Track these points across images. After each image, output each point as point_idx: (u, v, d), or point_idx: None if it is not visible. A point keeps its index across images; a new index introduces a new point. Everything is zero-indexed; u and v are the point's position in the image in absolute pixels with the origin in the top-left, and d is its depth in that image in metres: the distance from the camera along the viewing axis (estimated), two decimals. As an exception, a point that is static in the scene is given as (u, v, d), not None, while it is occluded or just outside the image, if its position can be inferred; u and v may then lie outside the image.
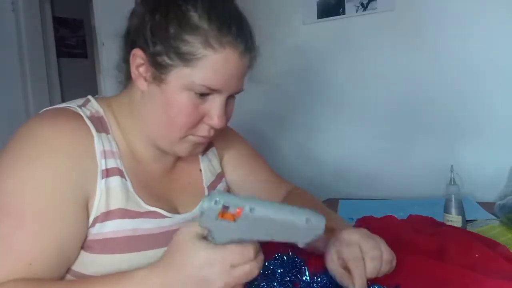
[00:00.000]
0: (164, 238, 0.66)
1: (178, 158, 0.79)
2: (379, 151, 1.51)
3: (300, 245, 0.53)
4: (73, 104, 0.69)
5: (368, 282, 0.62)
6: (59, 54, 3.05)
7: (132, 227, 0.66)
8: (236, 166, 0.90)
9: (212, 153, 0.87)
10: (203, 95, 0.64)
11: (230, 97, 0.69)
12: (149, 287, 0.52)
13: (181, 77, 0.63)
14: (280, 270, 0.68)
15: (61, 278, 0.62)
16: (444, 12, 1.38)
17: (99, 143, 0.65)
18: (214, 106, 0.66)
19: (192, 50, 0.61)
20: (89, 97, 0.73)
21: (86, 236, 0.64)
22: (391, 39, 1.46)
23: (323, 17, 1.56)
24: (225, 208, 0.50)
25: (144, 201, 0.68)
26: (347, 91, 1.56)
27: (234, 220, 0.50)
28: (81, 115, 0.66)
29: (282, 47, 1.65)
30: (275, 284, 0.65)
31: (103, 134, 0.67)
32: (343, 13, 1.52)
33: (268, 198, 0.85)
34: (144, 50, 0.65)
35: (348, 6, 1.51)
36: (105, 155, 0.66)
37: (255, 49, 0.68)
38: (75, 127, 0.64)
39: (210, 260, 0.50)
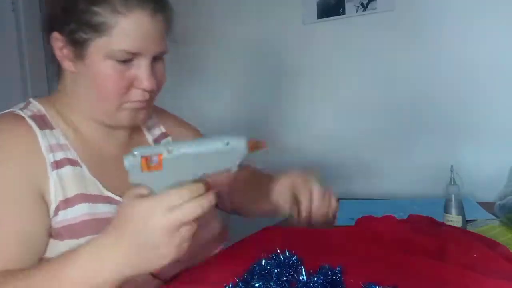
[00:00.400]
0: None
1: (130, 136, 0.82)
2: (379, 151, 1.51)
3: (233, 170, 0.54)
4: (15, 108, 0.72)
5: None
6: (59, 54, 3.04)
7: (92, 211, 0.69)
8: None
9: (158, 129, 0.90)
10: (126, 61, 0.67)
11: (157, 60, 0.72)
12: (101, 256, 0.53)
13: (99, 47, 0.66)
14: (277, 270, 0.68)
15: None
16: (444, 12, 1.38)
17: (44, 139, 0.68)
18: (140, 69, 0.68)
19: (103, 20, 0.65)
20: (30, 99, 0.76)
21: (52, 225, 0.67)
22: (391, 39, 1.46)
23: (323, 17, 1.56)
24: (148, 160, 0.51)
25: (103, 185, 0.72)
26: (347, 91, 1.56)
27: (160, 169, 0.51)
28: (22, 116, 0.69)
29: (282, 47, 1.65)
30: (271, 284, 0.65)
31: (47, 131, 0.70)
32: (343, 13, 1.52)
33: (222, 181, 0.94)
34: (60, 32, 0.68)
35: (348, 6, 1.51)
36: (51, 149, 0.68)
37: (167, 9, 0.71)
38: (16, 128, 0.68)
39: (150, 209, 0.50)
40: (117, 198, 0.72)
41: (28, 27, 2.43)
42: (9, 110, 0.72)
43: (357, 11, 1.50)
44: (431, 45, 1.40)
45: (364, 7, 1.48)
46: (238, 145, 0.53)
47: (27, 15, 2.44)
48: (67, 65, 0.70)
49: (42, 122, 0.71)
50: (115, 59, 0.66)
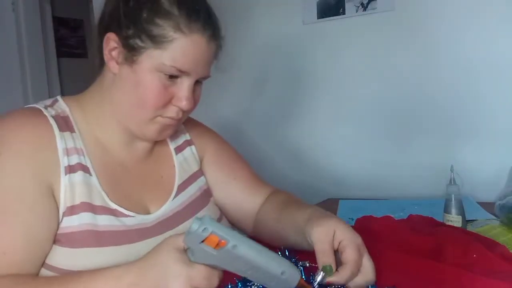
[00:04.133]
0: (125, 236, 0.69)
1: (151, 150, 0.81)
2: (379, 151, 1.51)
3: None
4: (40, 105, 0.72)
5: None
6: (59, 54, 3.04)
7: (94, 222, 0.67)
8: (216, 167, 0.90)
9: (189, 152, 0.87)
10: (172, 77, 0.68)
11: (197, 83, 0.73)
12: (120, 284, 0.55)
13: (152, 58, 0.66)
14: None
15: (38, 270, 0.64)
16: (444, 12, 1.37)
17: (62, 141, 0.68)
18: (182, 88, 0.69)
19: (163, 33, 0.66)
20: (58, 97, 0.75)
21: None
22: (391, 39, 1.46)
23: (323, 17, 1.56)
24: (211, 237, 0.52)
25: (109, 198, 0.70)
26: (347, 91, 1.56)
27: (217, 249, 0.52)
28: (45, 115, 0.69)
29: (282, 47, 1.65)
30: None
31: (67, 133, 0.69)
32: (343, 13, 1.52)
33: (246, 201, 0.88)
34: (117, 33, 0.68)
35: (348, 6, 1.51)
36: (67, 152, 0.68)
37: (220, 38, 0.73)
38: (37, 125, 0.67)
39: (179, 273, 0.52)
40: (124, 211, 0.70)
41: (28, 27, 2.43)
42: (34, 105, 0.72)
43: (357, 11, 1.50)
44: (431, 45, 1.40)
45: (364, 7, 1.48)
46: (292, 279, 0.56)
47: (27, 15, 2.44)
48: (112, 66, 0.70)
49: (64, 124, 0.70)
50: (163, 72, 0.67)
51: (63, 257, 0.65)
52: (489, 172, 1.32)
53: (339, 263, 0.62)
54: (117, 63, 0.69)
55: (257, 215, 0.87)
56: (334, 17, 1.54)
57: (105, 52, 0.70)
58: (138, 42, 0.66)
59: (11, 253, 0.60)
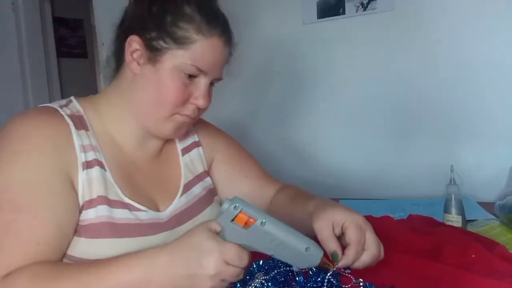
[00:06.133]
0: (139, 229, 0.72)
1: (160, 150, 0.84)
2: (379, 151, 1.51)
3: (294, 269, 0.61)
4: (55, 104, 0.75)
5: (361, 280, 0.64)
6: (59, 54, 3.04)
7: (110, 215, 0.70)
8: (228, 166, 0.94)
9: (196, 153, 0.91)
10: (191, 76, 0.73)
11: (211, 85, 0.78)
12: (155, 262, 0.58)
13: (174, 57, 0.71)
14: (276, 270, 0.68)
15: (62, 257, 0.67)
16: (443, 12, 1.38)
17: (78, 138, 0.71)
18: (200, 87, 0.75)
19: (186, 35, 0.71)
20: (72, 98, 0.78)
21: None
22: (391, 39, 1.46)
23: (323, 17, 1.56)
24: (242, 215, 0.57)
25: (122, 192, 0.73)
26: (347, 91, 1.56)
27: (246, 227, 0.57)
28: (61, 114, 0.72)
29: (282, 47, 1.65)
30: (269, 284, 0.65)
31: (82, 131, 0.72)
32: (343, 13, 1.52)
33: (258, 196, 0.92)
34: (140, 36, 0.73)
35: (348, 6, 1.51)
36: (84, 149, 0.71)
37: (233, 43, 0.79)
38: (55, 123, 0.70)
39: (212, 249, 0.56)
40: (137, 205, 0.73)
41: (28, 27, 2.43)
42: (49, 104, 0.74)
43: (357, 11, 1.50)
44: (431, 45, 1.40)
45: (364, 7, 1.48)
46: (315, 255, 0.59)
47: (27, 15, 2.44)
48: (134, 67, 0.74)
49: (79, 122, 0.73)
50: (184, 71, 0.72)
51: (82, 248, 0.67)
52: (489, 172, 1.32)
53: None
54: (139, 64, 0.73)
55: (268, 210, 0.90)
56: (334, 17, 1.54)
57: (127, 53, 0.73)
58: (162, 43, 0.71)
59: (44, 243, 0.62)
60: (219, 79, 0.79)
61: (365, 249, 0.66)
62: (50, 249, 0.63)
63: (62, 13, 3.23)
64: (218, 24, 0.74)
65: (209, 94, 0.77)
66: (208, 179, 0.90)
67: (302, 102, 1.64)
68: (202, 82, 0.75)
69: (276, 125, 1.71)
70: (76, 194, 0.68)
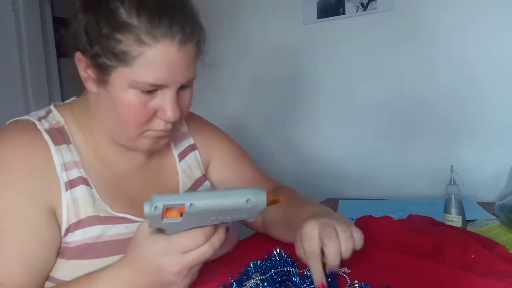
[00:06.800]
0: None
1: (151, 156, 0.79)
2: (379, 151, 1.51)
3: (250, 220, 0.59)
4: (34, 117, 0.69)
5: (357, 281, 0.63)
6: (59, 54, 3.04)
7: (101, 233, 0.66)
8: (225, 168, 0.91)
9: (193, 157, 0.86)
10: (150, 92, 0.63)
11: (184, 88, 0.67)
12: (119, 283, 0.56)
13: (122, 77, 0.61)
14: (272, 271, 0.68)
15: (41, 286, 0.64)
16: (443, 12, 1.38)
17: (58, 156, 0.66)
18: (165, 100, 0.64)
19: (126, 49, 0.60)
20: (51, 106, 0.73)
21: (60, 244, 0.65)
22: (391, 39, 1.46)
23: (323, 17, 1.56)
24: (169, 209, 0.52)
25: (111, 208, 0.68)
26: (347, 91, 1.56)
27: (181, 215, 0.53)
28: (38, 130, 0.66)
29: (282, 47, 1.65)
30: (265, 284, 0.65)
31: (63, 146, 0.67)
32: (343, 13, 1.52)
33: None
34: (83, 53, 0.64)
35: (348, 6, 1.51)
36: (65, 167, 0.66)
37: (197, 34, 0.65)
38: (31, 143, 0.65)
39: (165, 249, 0.53)
40: (133, 217, 0.69)
41: (28, 27, 2.43)
42: (27, 117, 0.69)
43: (357, 11, 1.50)
44: (431, 45, 1.40)
45: (364, 7, 1.48)
46: (259, 201, 0.55)
47: (27, 15, 2.44)
48: (90, 86, 0.66)
49: (59, 136, 0.68)
50: (138, 89, 0.62)
51: (67, 270, 0.65)
52: (489, 172, 1.32)
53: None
54: (93, 82, 0.65)
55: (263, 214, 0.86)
56: (334, 17, 1.54)
57: (81, 72, 0.66)
58: (105, 60, 0.61)
59: (9, 283, 0.59)
60: (190, 81, 0.67)
61: (325, 258, 0.61)
62: (19, 285, 0.59)
63: (62, 13, 3.23)
64: (162, 22, 0.60)
65: (178, 104, 0.66)
66: (207, 183, 0.86)
67: (302, 102, 1.64)
68: (166, 95, 0.64)
69: (276, 125, 1.71)
70: (58, 221, 0.64)
